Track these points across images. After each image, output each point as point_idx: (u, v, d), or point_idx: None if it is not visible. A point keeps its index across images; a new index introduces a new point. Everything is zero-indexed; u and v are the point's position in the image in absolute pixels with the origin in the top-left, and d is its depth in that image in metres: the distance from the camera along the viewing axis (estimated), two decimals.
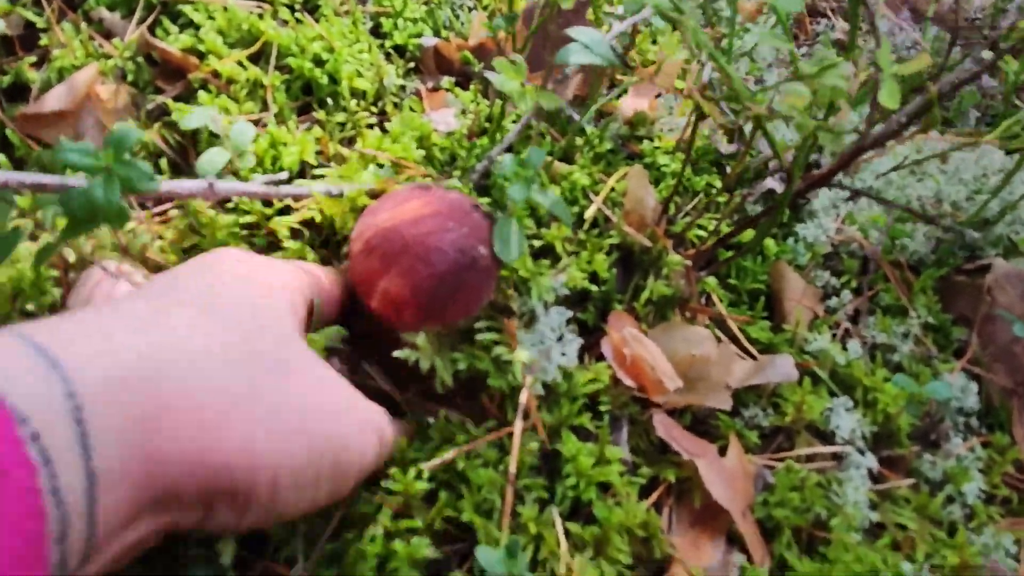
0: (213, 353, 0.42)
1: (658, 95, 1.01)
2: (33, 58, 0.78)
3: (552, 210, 0.60)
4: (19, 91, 0.77)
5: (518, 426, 0.58)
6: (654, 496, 0.64)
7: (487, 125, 0.82)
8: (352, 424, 0.48)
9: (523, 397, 0.60)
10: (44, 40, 0.79)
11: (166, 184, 0.58)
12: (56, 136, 0.73)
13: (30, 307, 0.57)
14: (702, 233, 0.82)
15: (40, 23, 0.80)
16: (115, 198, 0.45)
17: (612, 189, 0.81)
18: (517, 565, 0.46)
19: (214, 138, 0.75)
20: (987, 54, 0.97)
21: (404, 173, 0.72)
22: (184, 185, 0.58)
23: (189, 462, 0.39)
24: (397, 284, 0.55)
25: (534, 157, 0.60)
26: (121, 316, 0.41)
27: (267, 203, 0.67)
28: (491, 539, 0.53)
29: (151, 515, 0.39)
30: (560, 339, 0.65)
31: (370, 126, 0.82)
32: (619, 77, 1.00)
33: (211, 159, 0.69)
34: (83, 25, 0.81)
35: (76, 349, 0.36)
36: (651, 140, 0.91)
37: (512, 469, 0.56)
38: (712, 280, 0.78)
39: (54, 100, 0.71)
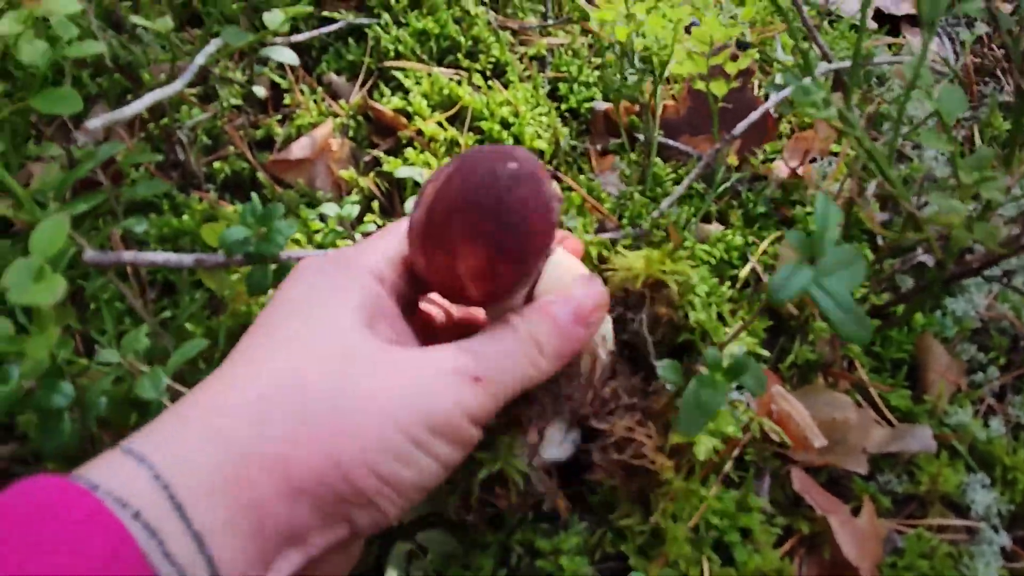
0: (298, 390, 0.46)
1: (812, 159, 1.06)
2: (279, 116, 0.95)
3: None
4: (266, 143, 0.94)
5: (714, 490, 0.67)
6: (787, 545, 0.70)
7: (656, 188, 0.91)
8: (428, 379, 0.48)
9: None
10: (287, 100, 0.96)
11: None
12: (296, 179, 0.89)
13: None
14: None
15: (284, 84, 0.97)
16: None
17: (764, 252, 0.88)
18: None
19: (417, 186, 0.89)
20: None
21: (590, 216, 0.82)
22: None
23: (290, 498, 0.43)
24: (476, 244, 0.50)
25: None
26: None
27: None
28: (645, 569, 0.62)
29: (293, 548, 0.44)
30: None
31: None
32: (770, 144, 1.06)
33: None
34: (317, 87, 0.97)
35: (159, 443, 0.44)
36: (803, 205, 0.97)
37: (693, 522, 0.65)
38: (856, 346, 0.83)
39: (299, 149, 0.87)
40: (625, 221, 0.84)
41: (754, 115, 0.83)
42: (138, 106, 0.58)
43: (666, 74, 0.89)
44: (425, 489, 0.49)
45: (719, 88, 0.83)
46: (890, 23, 1.38)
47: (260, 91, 0.87)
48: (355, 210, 0.74)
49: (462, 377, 0.49)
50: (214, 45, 0.71)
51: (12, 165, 0.65)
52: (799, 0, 0.78)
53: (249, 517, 0.42)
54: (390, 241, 0.57)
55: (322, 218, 0.80)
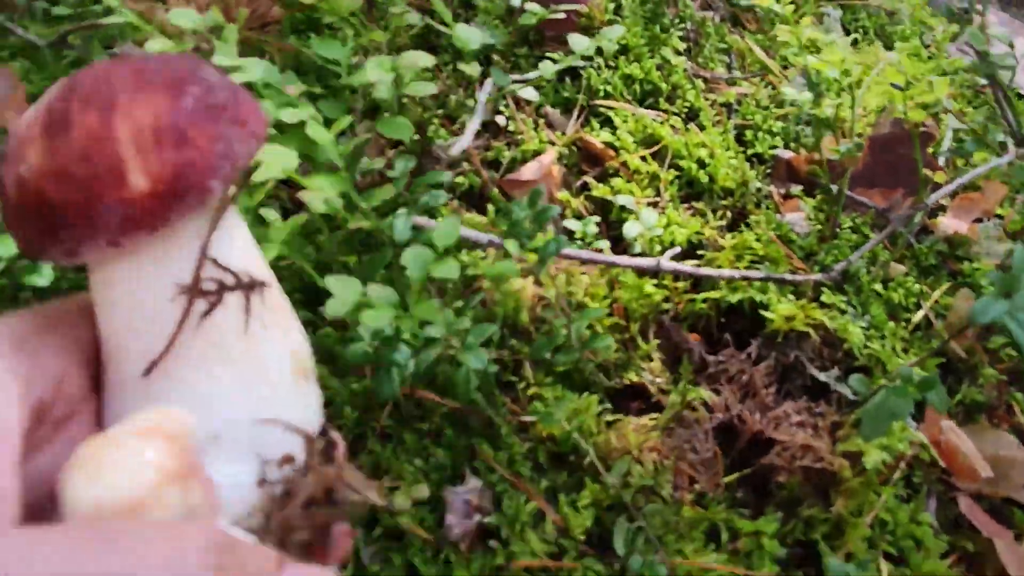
0: None
1: (978, 219, 1.14)
2: (505, 142, 1.10)
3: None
4: (491, 163, 1.10)
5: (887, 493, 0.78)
6: (950, 559, 0.79)
7: (837, 231, 1.02)
8: None
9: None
10: (511, 127, 1.11)
11: (626, 259, 0.85)
12: (522, 195, 1.04)
13: None
14: (1012, 352, 0.95)
15: (507, 113, 1.13)
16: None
17: (936, 301, 0.97)
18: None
19: (623, 211, 1.02)
20: None
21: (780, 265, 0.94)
22: (640, 261, 0.85)
23: None
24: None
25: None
26: None
27: (675, 277, 0.93)
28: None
29: None
30: None
31: (735, 220, 1.05)
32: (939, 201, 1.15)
33: (631, 228, 0.97)
34: (538, 119, 1.12)
35: None
36: (970, 261, 1.05)
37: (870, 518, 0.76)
38: (1020, 395, 0.91)
39: (529, 172, 1.02)
40: (816, 268, 0.95)
41: (949, 187, 0.92)
42: (464, 142, 0.74)
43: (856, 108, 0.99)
44: None
45: (918, 115, 0.92)
46: None
47: (501, 120, 1.03)
48: (594, 228, 0.88)
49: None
50: (488, 86, 0.86)
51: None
52: (997, 82, 0.87)
53: None
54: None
55: (567, 232, 0.96)
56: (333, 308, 0.56)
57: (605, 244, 0.95)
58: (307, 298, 0.90)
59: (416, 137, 0.87)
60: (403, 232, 0.74)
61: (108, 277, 0.34)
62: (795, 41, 0.99)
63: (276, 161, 0.63)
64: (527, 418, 0.80)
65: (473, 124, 0.76)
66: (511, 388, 0.84)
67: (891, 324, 0.91)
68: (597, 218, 0.92)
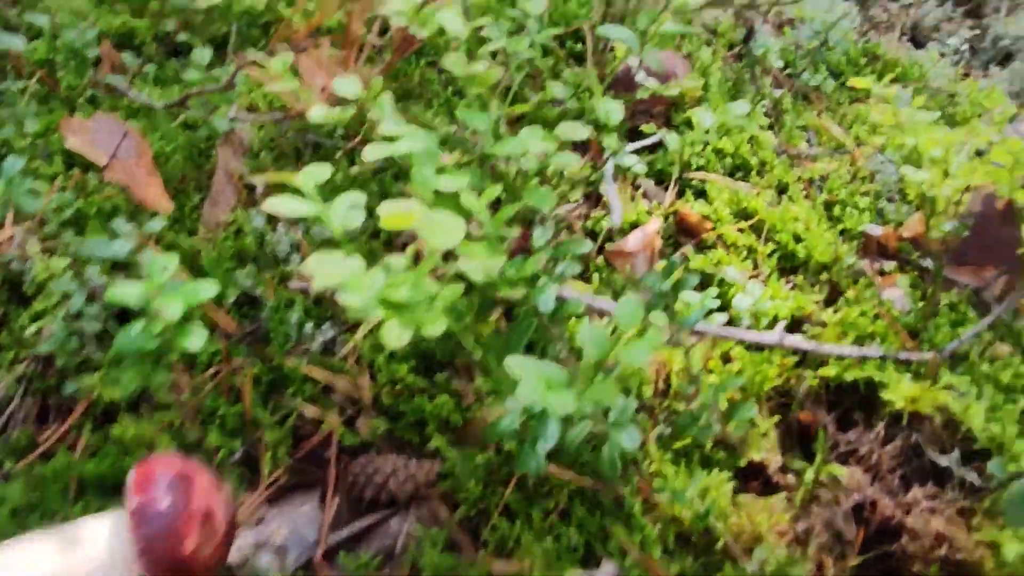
0: None
1: None
2: (604, 212, 1.11)
3: None
4: (590, 233, 1.10)
5: None
6: None
7: (937, 309, 1.02)
8: None
9: None
10: (606, 199, 1.13)
11: (753, 334, 0.84)
12: (624, 265, 1.04)
13: None
14: None
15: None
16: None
17: None
18: None
19: (722, 284, 1.03)
20: None
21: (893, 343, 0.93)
22: (763, 337, 0.84)
23: None
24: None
25: None
26: None
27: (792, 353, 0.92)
28: None
29: None
30: None
31: (832, 296, 1.05)
32: None
33: (741, 300, 0.97)
34: (635, 191, 1.14)
35: None
36: None
37: None
38: None
39: (633, 242, 1.03)
40: (926, 346, 0.95)
41: None
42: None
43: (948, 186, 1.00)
44: None
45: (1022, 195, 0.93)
46: None
47: (606, 191, 1.04)
48: (711, 301, 0.89)
49: None
50: (612, 164, 0.88)
51: None
52: None
53: None
54: None
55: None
56: (527, 394, 0.55)
57: (722, 317, 0.94)
58: (421, 364, 0.90)
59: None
60: (548, 303, 0.74)
61: None
62: (888, 119, 1.01)
63: (446, 232, 0.63)
64: (656, 497, 0.79)
65: (611, 191, 0.76)
66: (635, 465, 0.82)
67: (1009, 406, 0.90)
68: (715, 290, 0.93)
